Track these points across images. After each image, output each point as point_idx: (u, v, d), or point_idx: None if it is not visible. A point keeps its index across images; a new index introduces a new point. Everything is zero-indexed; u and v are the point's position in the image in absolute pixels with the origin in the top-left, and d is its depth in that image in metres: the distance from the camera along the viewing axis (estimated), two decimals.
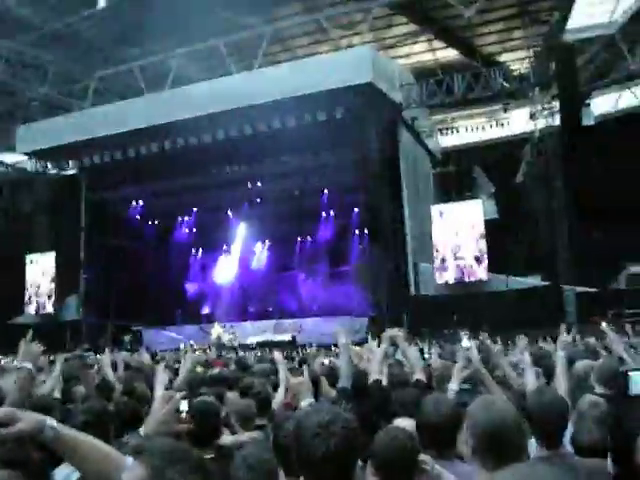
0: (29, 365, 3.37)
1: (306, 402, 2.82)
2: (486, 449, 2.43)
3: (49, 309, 28.31)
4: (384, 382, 4.78)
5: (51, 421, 1.80)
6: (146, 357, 10.48)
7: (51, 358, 9.80)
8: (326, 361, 8.47)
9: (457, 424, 2.86)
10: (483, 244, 21.86)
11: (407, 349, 5.26)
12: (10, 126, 27.82)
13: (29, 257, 28.88)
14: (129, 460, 1.79)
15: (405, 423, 3.21)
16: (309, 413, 1.98)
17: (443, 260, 22.26)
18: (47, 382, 5.83)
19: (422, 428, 2.98)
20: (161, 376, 3.50)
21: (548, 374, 5.07)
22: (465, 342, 4.76)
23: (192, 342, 18.77)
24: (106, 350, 8.29)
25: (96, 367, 8.37)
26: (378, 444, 2.73)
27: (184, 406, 3.52)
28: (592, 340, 9.85)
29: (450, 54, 28.35)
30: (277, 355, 5.85)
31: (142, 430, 2.88)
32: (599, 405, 3.53)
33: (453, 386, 4.24)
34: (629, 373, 3.00)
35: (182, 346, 16.53)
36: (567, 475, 2.41)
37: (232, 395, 5.24)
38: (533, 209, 24.70)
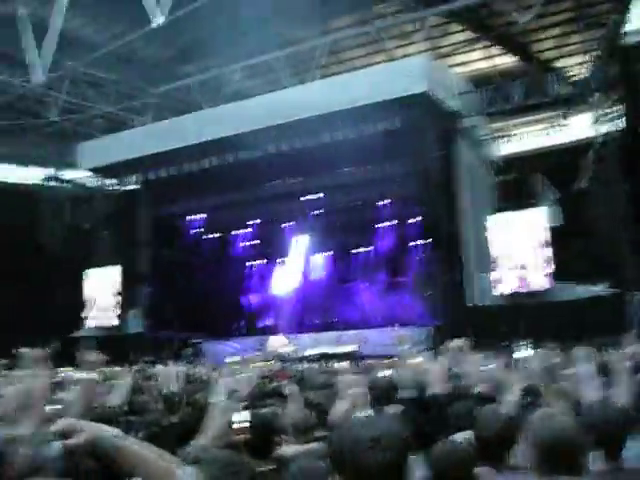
0: (92, 375, 3.35)
1: (362, 414, 2.82)
2: (545, 461, 2.40)
3: (111, 322, 28.67)
4: (445, 394, 4.75)
5: (113, 431, 1.79)
6: (207, 369, 10.61)
7: (116, 370, 10.00)
8: (387, 372, 8.38)
9: (511, 437, 2.82)
10: (546, 252, 21.44)
11: (469, 360, 5.19)
12: (73, 143, 28.55)
13: (90, 271, 29.40)
14: (188, 469, 1.80)
15: (464, 436, 3.18)
16: (362, 425, 1.98)
17: (503, 269, 21.90)
18: (115, 394, 5.91)
19: (476, 440, 2.94)
20: (218, 386, 3.51)
21: (613, 384, 4.95)
22: (523, 353, 4.70)
23: (255, 354, 18.83)
24: (169, 362, 8.42)
25: (158, 379, 8.49)
26: (435, 456, 2.72)
27: (245, 417, 3.54)
28: None
29: (508, 61, 28.03)
30: (342, 366, 5.78)
31: (199, 440, 2.91)
32: None
33: (511, 398, 4.17)
34: None
35: (229, 359, 16.53)
36: None
37: (291, 406, 5.26)
38: (597, 215, 24.08)
